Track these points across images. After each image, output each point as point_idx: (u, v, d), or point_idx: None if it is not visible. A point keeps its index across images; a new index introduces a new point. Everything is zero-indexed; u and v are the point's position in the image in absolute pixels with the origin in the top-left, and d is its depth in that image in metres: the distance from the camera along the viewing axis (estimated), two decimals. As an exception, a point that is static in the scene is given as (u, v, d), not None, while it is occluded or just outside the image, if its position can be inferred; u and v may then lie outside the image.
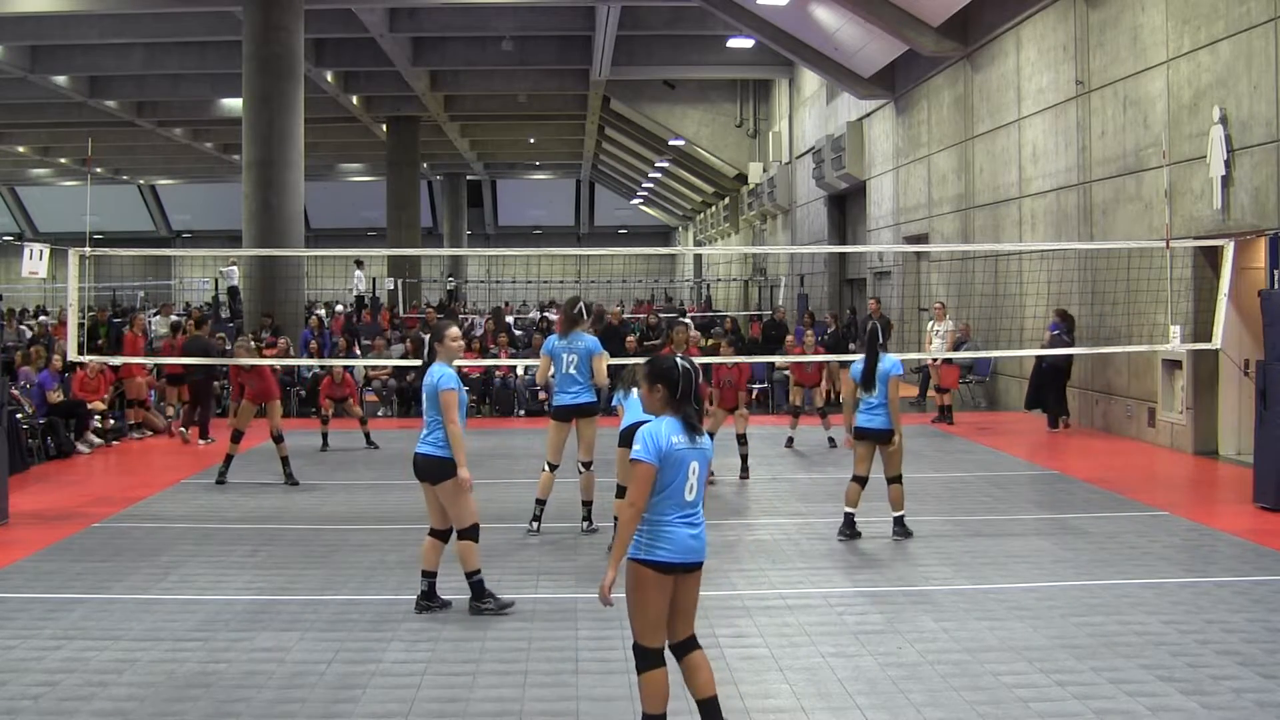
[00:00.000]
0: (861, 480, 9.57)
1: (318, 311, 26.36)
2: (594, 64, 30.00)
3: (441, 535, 7.53)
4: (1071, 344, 15.55)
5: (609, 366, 9.94)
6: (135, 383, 16.73)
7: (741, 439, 12.66)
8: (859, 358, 9.98)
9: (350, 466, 14.07)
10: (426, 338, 7.73)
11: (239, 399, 13.03)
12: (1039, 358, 15.88)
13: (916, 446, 14.71)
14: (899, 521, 9.63)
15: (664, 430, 5.03)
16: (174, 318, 23.55)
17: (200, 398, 16.45)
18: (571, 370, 9.69)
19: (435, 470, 7.37)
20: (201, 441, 15.95)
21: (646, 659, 5.03)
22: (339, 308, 22.99)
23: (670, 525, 5.00)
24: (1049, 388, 16.12)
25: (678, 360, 5.15)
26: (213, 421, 16.75)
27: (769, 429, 17.25)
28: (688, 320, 17.83)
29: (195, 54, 31.21)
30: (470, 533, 7.41)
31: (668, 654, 5.10)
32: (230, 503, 11.60)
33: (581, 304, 9.95)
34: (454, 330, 7.61)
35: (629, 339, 18.91)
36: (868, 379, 9.57)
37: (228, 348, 19.89)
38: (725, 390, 12.80)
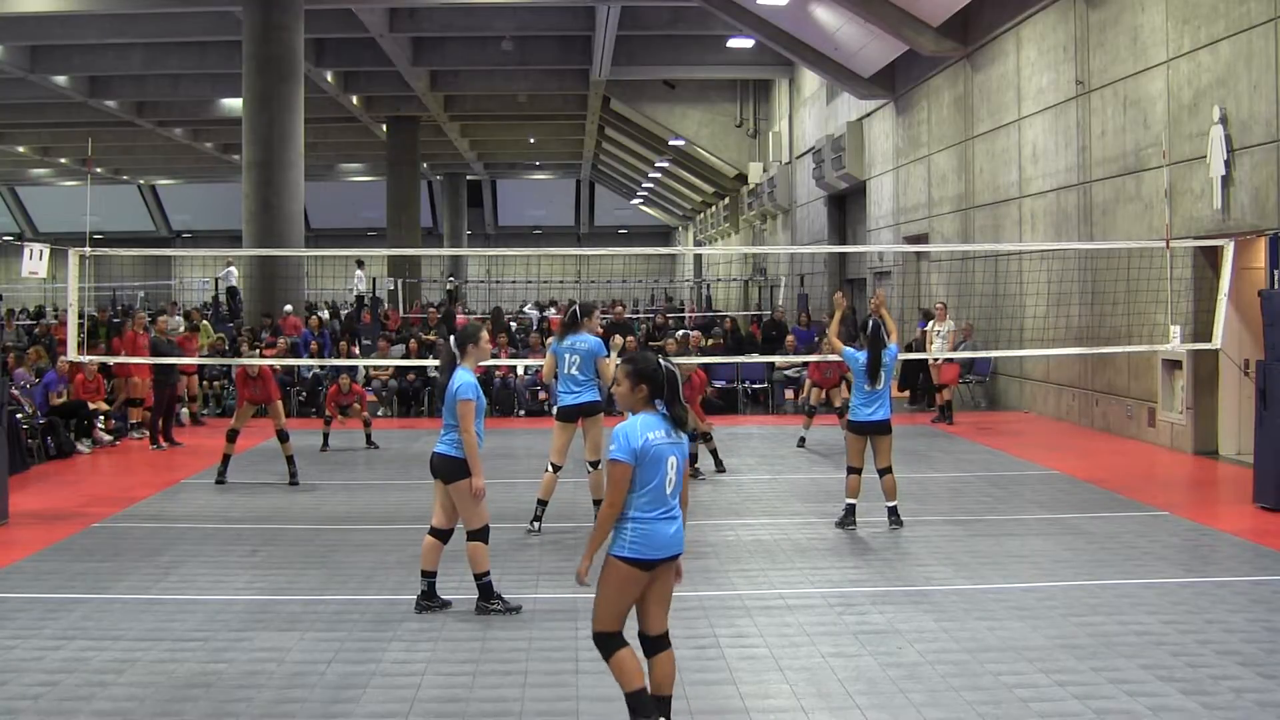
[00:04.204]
0: (859, 470, 9.85)
1: (320, 313, 26.30)
2: (594, 64, 29.99)
3: (442, 535, 7.53)
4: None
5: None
6: (132, 382, 16.67)
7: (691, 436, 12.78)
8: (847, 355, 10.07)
9: (350, 466, 14.08)
10: (452, 339, 7.77)
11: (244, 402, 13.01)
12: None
13: (916, 446, 14.73)
14: (893, 511, 9.85)
15: (639, 428, 5.16)
16: (178, 318, 23.50)
17: (157, 401, 15.70)
18: (573, 371, 9.81)
19: (450, 469, 7.41)
20: (153, 448, 15.42)
21: (612, 643, 5.19)
22: (287, 308, 22.61)
23: (654, 523, 5.14)
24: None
25: (660, 361, 5.27)
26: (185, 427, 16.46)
27: (770, 429, 17.27)
28: (685, 332, 18.21)
29: (195, 54, 31.20)
30: (481, 534, 7.43)
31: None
32: (230, 503, 11.60)
33: (576, 307, 10.20)
34: (484, 334, 7.65)
35: (629, 339, 18.87)
36: (874, 372, 9.66)
37: (226, 348, 19.92)
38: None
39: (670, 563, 5.24)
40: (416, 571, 7.62)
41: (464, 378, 7.43)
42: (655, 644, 5.27)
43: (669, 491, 5.18)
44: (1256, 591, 7.88)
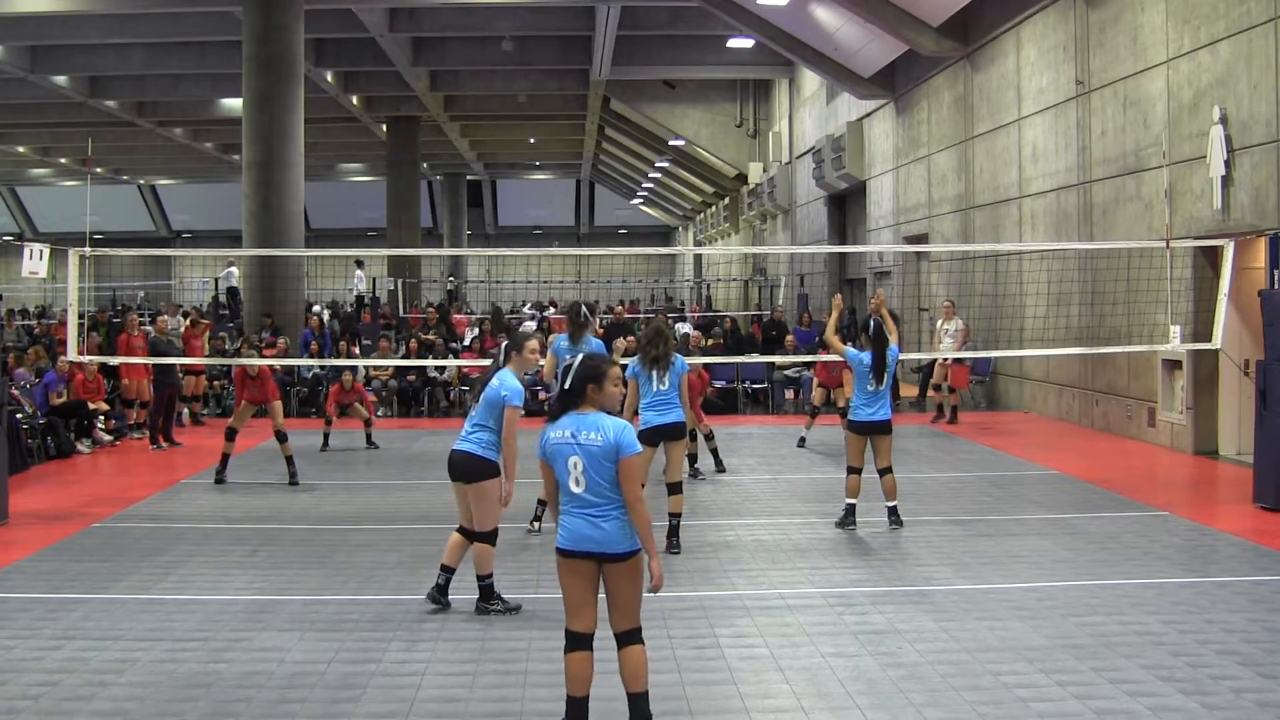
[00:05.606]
0: (859, 470, 9.88)
1: (320, 313, 26.30)
2: (594, 64, 30.00)
3: (469, 535, 7.54)
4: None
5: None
6: (124, 384, 16.59)
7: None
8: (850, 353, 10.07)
9: (350, 466, 14.07)
10: (504, 344, 7.75)
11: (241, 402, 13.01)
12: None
13: (916, 446, 14.73)
14: (893, 511, 9.88)
15: (550, 427, 5.41)
16: (178, 318, 23.48)
17: (157, 400, 15.66)
18: None
19: (471, 468, 7.41)
20: (153, 448, 15.38)
21: (567, 641, 5.36)
22: (315, 308, 22.67)
23: (565, 514, 5.35)
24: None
25: (581, 362, 5.48)
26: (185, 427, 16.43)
27: (770, 429, 17.27)
28: (686, 333, 18.42)
29: (195, 54, 31.20)
30: (489, 537, 7.45)
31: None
32: (230, 503, 11.60)
33: (585, 309, 10.18)
34: (534, 343, 7.63)
35: (629, 340, 18.87)
36: (879, 372, 9.68)
37: (227, 348, 19.92)
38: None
39: (612, 564, 5.27)
40: (416, 571, 7.63)
41: (513, 383, 7.38)
42: (617, 641, 5.37)
43: (576, 490, 5.28)
44: (1256, 591, 7.88)
